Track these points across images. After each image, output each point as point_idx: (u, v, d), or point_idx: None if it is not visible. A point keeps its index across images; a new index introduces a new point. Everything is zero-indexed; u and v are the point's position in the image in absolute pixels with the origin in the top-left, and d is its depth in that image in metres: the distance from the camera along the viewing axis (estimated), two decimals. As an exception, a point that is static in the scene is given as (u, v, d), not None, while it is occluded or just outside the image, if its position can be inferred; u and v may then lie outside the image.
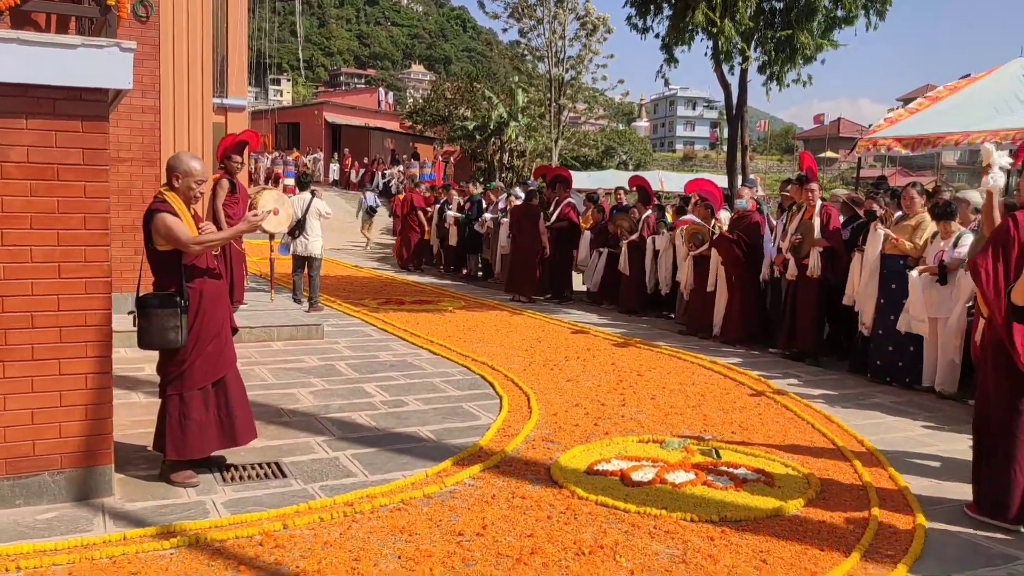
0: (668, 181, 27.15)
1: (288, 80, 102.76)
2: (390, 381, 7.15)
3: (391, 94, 54.88)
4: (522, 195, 13.42)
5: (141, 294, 4.46)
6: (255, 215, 4.80)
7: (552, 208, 12.99)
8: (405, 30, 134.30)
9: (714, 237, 9.61)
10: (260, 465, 4.86)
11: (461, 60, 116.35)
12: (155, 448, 4.69)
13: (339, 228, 20.75)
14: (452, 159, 33.48)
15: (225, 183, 9.37)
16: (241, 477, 4.68)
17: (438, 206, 16.87)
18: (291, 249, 10.78)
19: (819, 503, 4.54)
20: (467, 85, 35.33)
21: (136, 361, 7.12)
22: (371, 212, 20.69)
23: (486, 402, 6.55)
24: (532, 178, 19.65)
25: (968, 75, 14.78)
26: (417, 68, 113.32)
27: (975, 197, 7.57)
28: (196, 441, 4.55)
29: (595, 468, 4.93)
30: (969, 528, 4.29)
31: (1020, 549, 4.05)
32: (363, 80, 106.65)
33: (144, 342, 4.44)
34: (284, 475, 4.73)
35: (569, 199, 13.11)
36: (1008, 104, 11.09)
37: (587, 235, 12.72)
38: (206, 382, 4.60)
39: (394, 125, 41.60)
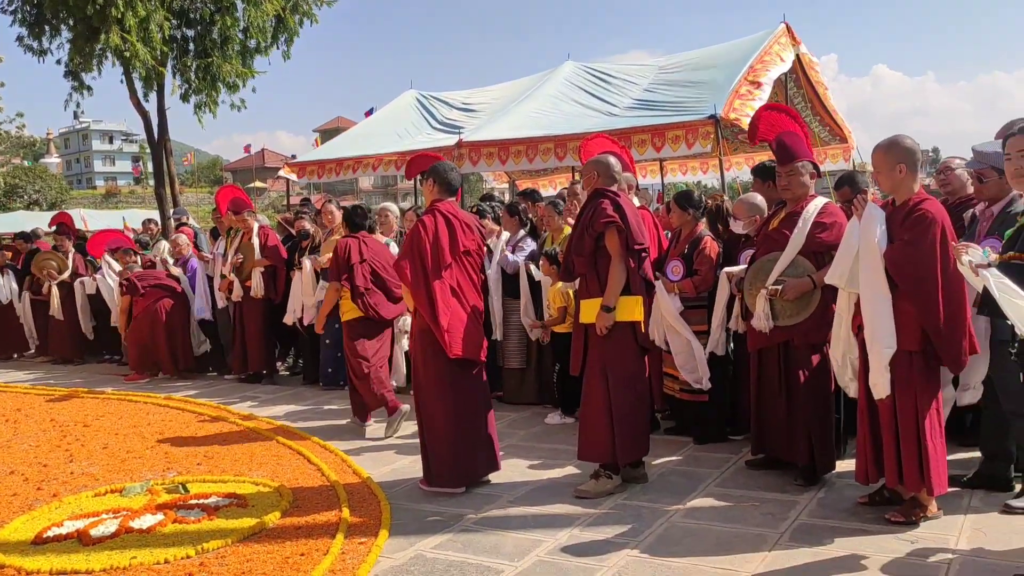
0: (91, 219, 25.08)
1: None
2: None
3: None
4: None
5: None
6: None
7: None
8: None
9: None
10: None
11: None
12: None
13: None
14: None
15: None
16: None
17: None
18: None
19: (294, 512, 4.62)
20: None
21: None
22: None
23: None
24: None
25: (372, 109, 16.60)
26: None
27: (393, 209, 8.46)
28: None
29: (45, 536, 4.33)
30: (424, 501, 4.78)
31: (467, 508, 4.63)
32: None
33: None
34: None
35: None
36: (406, 129, 12.67)
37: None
38: None
39: None
